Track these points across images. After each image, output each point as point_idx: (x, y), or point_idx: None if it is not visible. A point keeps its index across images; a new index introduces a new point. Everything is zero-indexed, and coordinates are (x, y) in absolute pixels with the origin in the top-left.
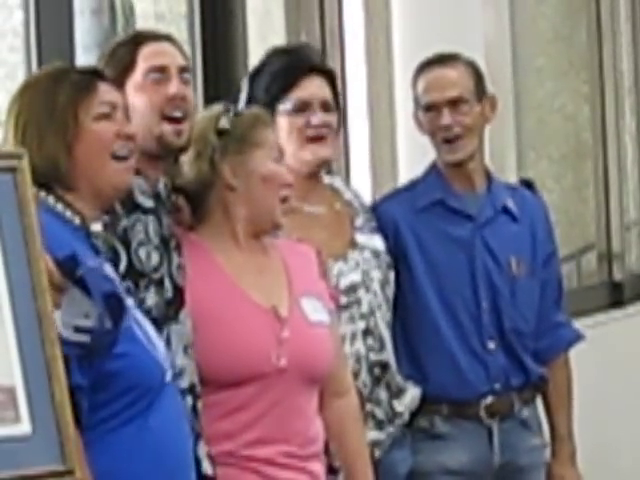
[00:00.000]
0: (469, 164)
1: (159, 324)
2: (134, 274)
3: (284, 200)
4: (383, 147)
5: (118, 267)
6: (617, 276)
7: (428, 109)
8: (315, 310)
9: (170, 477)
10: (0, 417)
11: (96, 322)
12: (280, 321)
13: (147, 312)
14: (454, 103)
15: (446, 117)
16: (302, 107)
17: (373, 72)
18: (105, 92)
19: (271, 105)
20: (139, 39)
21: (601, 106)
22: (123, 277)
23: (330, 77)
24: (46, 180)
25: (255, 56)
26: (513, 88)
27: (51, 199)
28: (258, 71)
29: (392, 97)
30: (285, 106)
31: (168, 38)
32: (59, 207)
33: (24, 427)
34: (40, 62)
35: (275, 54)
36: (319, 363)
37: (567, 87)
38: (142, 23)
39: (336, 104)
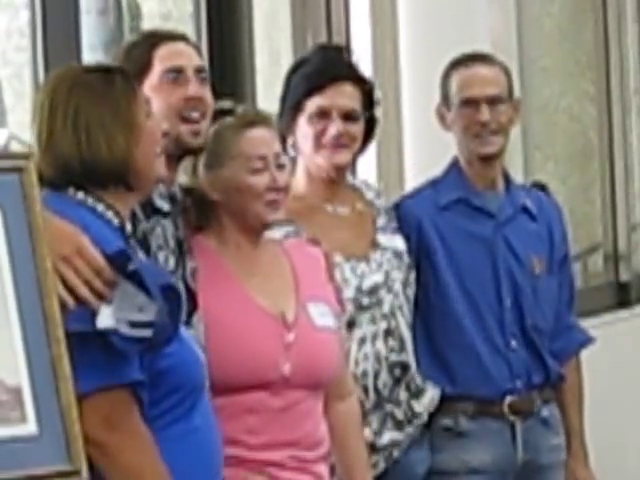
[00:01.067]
0: (495, 161)
1: None
2: None
3: (273, 203)
4: (390, 146)
5: None
6: (623, 276)
7: (465, 104)
8: (322, 315)
9: (211, 476)
10: (6, 417)
11: (157, 315)
12: (286, 326)
13: None
14: (493, 101)
15: (485, 113)
16: (321, 114)
17: (380, 72)
18: (142, 90)
19: (297, 106)
20: (154, 40)
21: (607, 106)
22: None
23: (364, 86)
24: (113, 180)
25: (261, 55)
26: (519, 88)
27: (90, 200)
28: (296, 68)
29: (399, 96)
30: (306, 110)
31: (183, 38)
32: (100, 208)
33: (30, 427)
34: (46, 62)
35: (314, 53)
36: (325, 367)
37: (573, 87)
38: (148, 23)
39: (369, 114)
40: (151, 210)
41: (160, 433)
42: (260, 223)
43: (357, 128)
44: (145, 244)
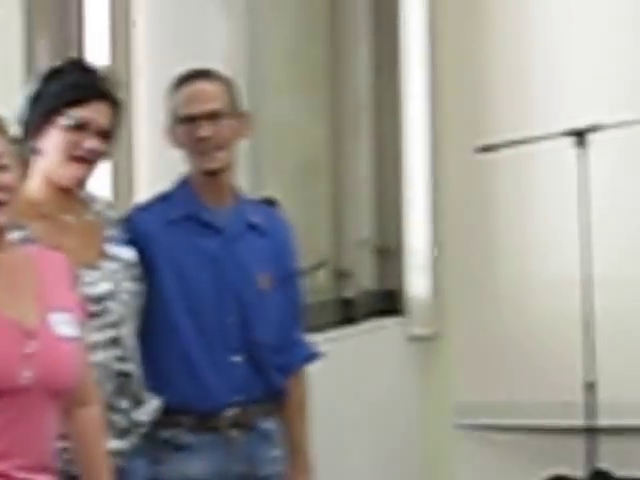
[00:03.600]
0: (222, 176)
1: None
2: None
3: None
4: (122, 159)
5: None
6: (348, 293)
7: (187, 121)
8: (64, 323)
9: None
10: None
11: None
12: (27, 335)
13: None
14: (213, 116)
15: (205, 129)
16: (81, 127)
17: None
18: None
19: (51, 114)
20: None
21: (336, 124)
22: None
23: (117, 107)
24: None
25: None
26: (248, 104)
27: None
28: (52, 75)
29: (132, 110)
30: (65, 120)
31: None
32: None
33: None
34: None
35: (75, 65)
36: (65, 377)
37: (303, 104)
38: None
39: (113, 134)
40: None
41: None
42: None
43: (105, 146)
44: None
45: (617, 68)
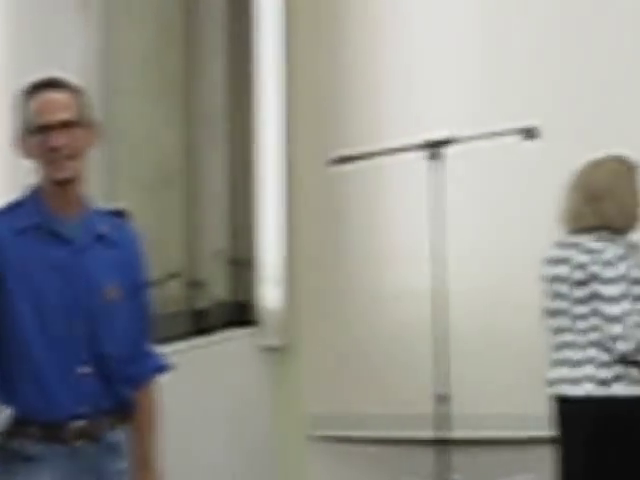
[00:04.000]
0: (73, 186)
1: None
2: None
3: None
4: None
5: None
6: (201, 304)
7: (39, 131)
8: None
9: None
10: None
11: None
12: None
13: None
14: (65, 126)
15: (57, 139)
16: None
17: None
18: None
19: None
20: None
21: (191, 135)
22: None
23: None
24: None
25: None
26: (102, 113)
27: None
28: None
29: None
30: None
31: None
32: None
33: None
34: None
35: None
36: None
37: (157, 113)
38: None
39: None
40: None
41: None
42: None
43: None
44: None
45: (470, 82)
